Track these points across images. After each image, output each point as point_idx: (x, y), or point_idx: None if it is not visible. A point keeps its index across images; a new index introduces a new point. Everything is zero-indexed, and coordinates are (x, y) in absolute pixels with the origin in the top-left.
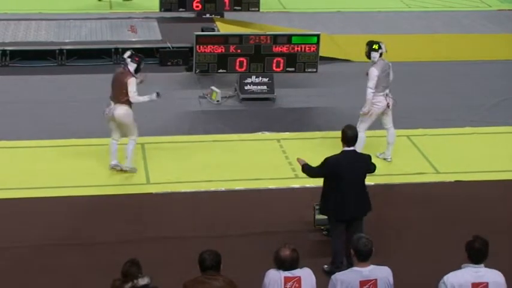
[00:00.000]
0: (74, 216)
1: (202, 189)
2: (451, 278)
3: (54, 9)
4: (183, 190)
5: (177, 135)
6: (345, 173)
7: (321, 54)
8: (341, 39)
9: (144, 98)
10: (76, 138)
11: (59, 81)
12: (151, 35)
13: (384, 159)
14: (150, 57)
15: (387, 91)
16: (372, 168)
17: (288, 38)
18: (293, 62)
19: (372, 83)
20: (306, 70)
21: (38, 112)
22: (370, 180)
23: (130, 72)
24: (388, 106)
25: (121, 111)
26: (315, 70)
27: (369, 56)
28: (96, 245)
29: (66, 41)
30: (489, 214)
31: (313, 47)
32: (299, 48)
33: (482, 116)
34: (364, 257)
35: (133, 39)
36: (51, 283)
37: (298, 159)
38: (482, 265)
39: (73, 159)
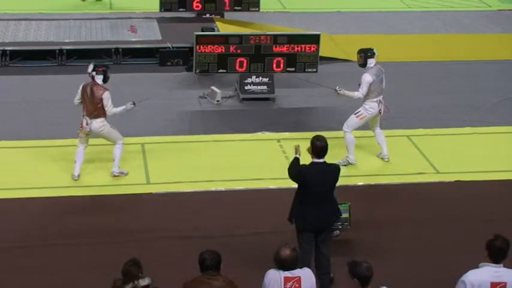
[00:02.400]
0: (75, 216)
1: (202, 189)
2: (470, 276)
3: (54, 9)
4: (183, 190)
5: (177, 136)
6: (312, 186)
7: (321, 54)
8: (341, 39)
9: (120, 109)
10: (76, 138)
11: (59, 81)
12: (151, 35)
13: (382, 159)
14: (150, 57)
15: (381, 97)
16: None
17: (288, 38)
18: (293, 62)
19: (363, 89)
20: (306, 70)
21: (38, 112)
22: (369, 181)
23: (101, 86)
24: (379, 112)
25: (98, 125)
26: (315, 70)
27: (364, 64)
28: (97, 245)
29: (66, 41)
30: (489, 214)
31: (313, 47)
32: (299, 48)
33: (482, 116)
34: (365, 281)
35: (134, 39)
36: (51, 282)
37: (296, 147)
38: (502, 265)
39: (73, 159)
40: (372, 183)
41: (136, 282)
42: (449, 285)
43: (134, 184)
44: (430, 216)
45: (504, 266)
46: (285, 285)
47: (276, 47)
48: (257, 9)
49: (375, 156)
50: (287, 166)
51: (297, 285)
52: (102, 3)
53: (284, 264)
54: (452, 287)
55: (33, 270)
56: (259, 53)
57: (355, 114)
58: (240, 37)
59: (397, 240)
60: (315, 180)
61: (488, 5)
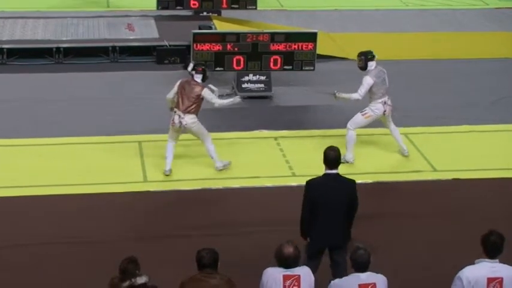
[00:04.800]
0: (72, 215)
1: (200, 187)
2: (466, 272)
3: (52, 7)
4: (180, 188)
5: None
6: (323, 200)
7: (318, 52)
8: (339, 37)
9: (228, 101)
10: (73, 136)
11: (56, 80)
12: (148, 33)
13: (402, 155)
14: (147, 55)
15: (385, 98)
16: (355, 202)
17: (286, 36)
18: (290, 60)
19: (363, 90)
20: (303, 68)
21: (36, 110)
22: (367, 178)
23: (199, 83)
24: (384, 113)
25: (190, 120)
26: (312, 68)
27: (365, 67)
28: (94, 243)
29: (64, 39)
30: (487, 212)
31: (311, 45)
32: (296, 47)
33: (480, 114)
34: (361, 268)
35: (131, 37)
36: (49, 280)
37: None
38: (497, 260)
39: (70, 157)
40: (369, 181)
41: (133, 280)
42: (446, 281)
43: (131, 182)
44: (427, 214)
45: (500, 261)
46: (284, 283)
47: (273, 45)
48: (254, 7)
49: (371, 154)
50: (284, 164)
51: (296, 284)
52: (99, 1)
53: (287, 262)
54: (449, 283)
55: (30, 269)
56: (256, 51)
57: (361, 112)
58: (237, 35)
59: (394, 238)
60: (325, 194)
61: (486, 3)
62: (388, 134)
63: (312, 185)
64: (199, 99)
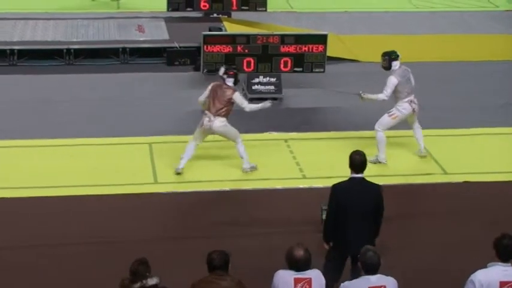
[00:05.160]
0: (81, 216)
1: (210, 189)
2: (479, 276)
3: (62, 8)
4: (190, 190)
5: (184, 135)
6: (348, 204)
7: (328, 54)
8: (348, 39)
9: (259, 106)
10: (83, 137)
11: (66, 81)
12: (158, 34)
13: (418, 155)
14: (157, 56)
15: (412, 97)
16: (381, 207)
17: (296, 38)
18: (300, 62)
19: (388, 91)
20: (313, 70)
21: (45, 111)
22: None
23: (230, 86)
24: (414, 111)
25: (220, 123)
26: (322, 70)
27: (389, 67)
28: (104, 244)
29: (74, 40)
30: (497, 215)
31: (321, 47)
32: (306, 49)
33: (490, 117)
34: (371, 270)
35: (141, 39)
36: (59, 281)
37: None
38: (510, 264)
39: (81, 158)
40: (380, 183)
41: (144, 281)
42: (457, 284)
43: (142, 183)
44: (438, 216)
45: None
46: (295, 286)
47: (283, 47)
48: (264, 9)
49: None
50: (294, 166)
51: (307, 287)
52: (110, 3)
53: (297, 265)
54: (459, 285)
55: (37, 270)
56: (266, 53)
57: (388, 113)
58: (248, 37)
59: (405, 240)
60: (351, 198)
61: (496, 5)
62: (399, 137)
63: (338, 188)
64: (230, 102)
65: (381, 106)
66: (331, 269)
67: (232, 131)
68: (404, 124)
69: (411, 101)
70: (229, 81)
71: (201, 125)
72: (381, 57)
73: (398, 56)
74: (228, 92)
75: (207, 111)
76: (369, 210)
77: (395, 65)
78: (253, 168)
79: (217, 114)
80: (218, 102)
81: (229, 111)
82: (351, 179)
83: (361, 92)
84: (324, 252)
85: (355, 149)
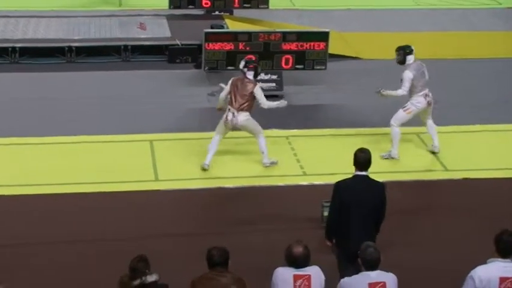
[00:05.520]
0: (83, 213)
1: (211, 186)
2: (478, 272)
3: (64, 6)
4: (191, 187)
5: (185, 132)
6: (351, 202)
7: (330, 51)
8: (350, 36)
9: (275, 104)
10: (85, 135)
11: (68, 78)
12: (160, 32)
13: (432, 151)
14: (159, 54)
15: (426, 90)
16: (383, 205)
17: (297, 36)
18: (302, 59)
19: (406, 85)
20: (315, 67)
21: (47, 109)
22: (377, 178)
23: (251, 80)
24: (429, 104)
25: (243, 118)
26: (324, 67)
27: (403, 61)
28: (105, 241)
29: (76, 38)
30: (498, 212)
31: (322, 45)
32: (308, 46)
33: (491, 114)
34: (371, 266)
35: (143, 36)
36: (58, 279)
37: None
38: (510, 260)
39: (82, 156)
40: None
41: (143, 278)
42: (457, 280)
43: (143, 181)
44: (438, 213)
45: None
46: (294, 283)
47: (285, 44)
48: (266, 6)
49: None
50: (295, 163)
51: (306, 283)
52: (111, 0)
53: (296, 262)
54: (459, 281)
55: (38, 268)
56: (268, 50)
57: (402, 108)
58: (249, 34)
59: (405, 237)
60: (354, 196)
61: (499, 2)
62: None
63: (341, 186)
64: (252, 96)
65: (383, 103)
66: (343, 264)
67: (256, 124)
68: (412, 122)
69: (426, 95)
70: (250, 74)
71: (225, 121)
72: (395, 51)
73: (412, 50)
74: (249, 86)
75: (229, 107)
76: (372, 208)
77: (410, 59)
78: (274, 164)
79: (240, 109)
80: (240, 97)
81: (252, 105)
82: (354, 176)
83: (380, 89)
84: (324, 249)
85: (356, 147)
